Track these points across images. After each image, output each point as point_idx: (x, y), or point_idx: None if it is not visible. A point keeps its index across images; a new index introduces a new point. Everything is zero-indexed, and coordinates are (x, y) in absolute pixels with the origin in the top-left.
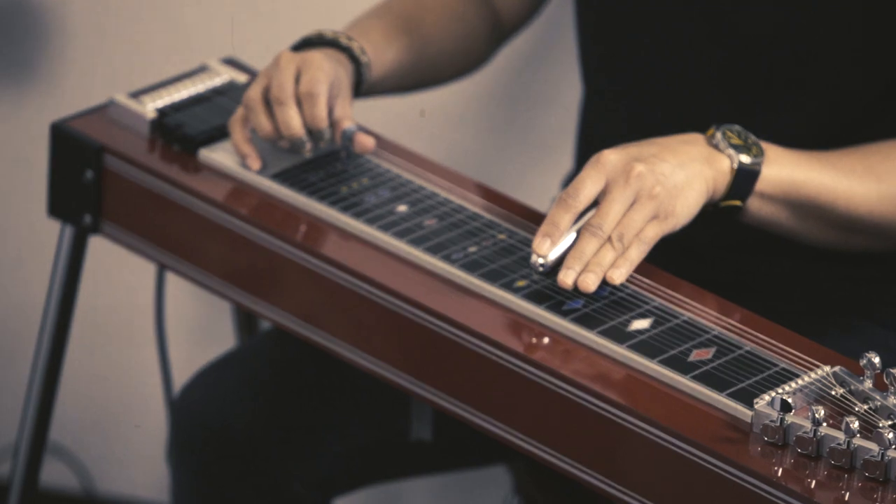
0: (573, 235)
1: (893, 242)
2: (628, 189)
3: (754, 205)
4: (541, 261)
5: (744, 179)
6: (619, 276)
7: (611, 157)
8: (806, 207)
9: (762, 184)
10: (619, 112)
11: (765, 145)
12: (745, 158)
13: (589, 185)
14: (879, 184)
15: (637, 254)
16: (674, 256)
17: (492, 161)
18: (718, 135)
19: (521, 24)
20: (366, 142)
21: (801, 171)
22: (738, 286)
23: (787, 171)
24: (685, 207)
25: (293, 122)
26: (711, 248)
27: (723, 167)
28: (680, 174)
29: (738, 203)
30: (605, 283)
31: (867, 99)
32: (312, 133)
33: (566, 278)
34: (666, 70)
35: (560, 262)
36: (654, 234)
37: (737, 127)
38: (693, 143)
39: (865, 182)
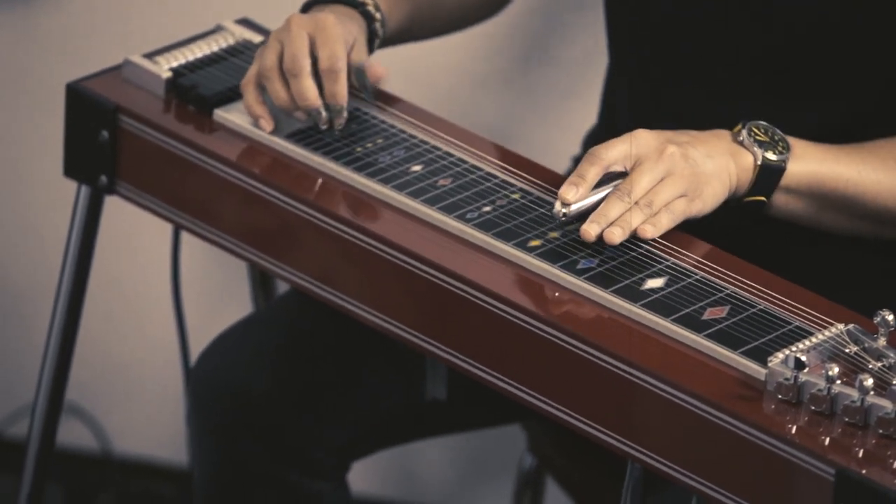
0: (600, 196)
1: None
2: (660, 164)
3: (780, 200)
4: (564, 210)
5: (767, 176)
6: (650, 232)
7: (645, 135)
8: (832, 201)
9: (788, 179)
10: (642, 86)
11: (791, 140)
12: (771, 155)
13: (620, 147)
14: None
15: (667, 220)
16: (691, 222)
17: (506, 121)
18: (744, 132)
19: None
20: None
21: (828, 165)
22: (755, 253)
23: (812, 166)
24: (711, 196)
25: (308, 93)
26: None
27: (746, 163)
28: (709, 163)
29: (762, 199)
30: (632, 237)
31: None
32: (331, 108)
33: (590, 230)
34: (690, 47)
35: (581, 216)
36: (682, 208)
37: (763, 123)
38: (720, 137)
39: (894, 175)
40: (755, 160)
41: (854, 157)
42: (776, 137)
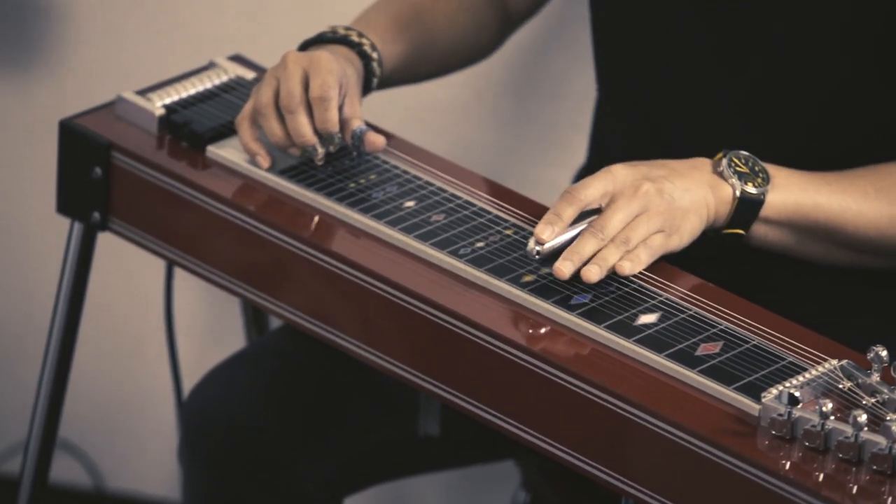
0: (574, 234)
1: None
2: (634, 202)
3: (760, 231)
4: (538, 248)
5: (746, 209)
6: (628, 268)
7: (621, 171)
8: (813, 231)
9: (767, 210)
10: (627, 116)
11: (772, 170)
12: (750, 188)
13: (597, 185)
14: (891, 207)
15: (646, 255)
16: (680, 255)
17: (499, 156)
18: (724, 162)
19: (529, 14)
20: (376, 141)
21: (808, 195)
22: (746, 285)
23: (793, 196)
24: (689, 231)
25: (303, 129)
26: (721, 250)
27: (725, 195)
28: (686, 197)
29: (740, 231)
30: (608, 277)
31: (864, 102)
32: (323, 137)
33: (563, 267)
34: (673, 79)
35: (556, 253)
36: (660, 244)
37: (744, 153)
38: (699, 169)
39: (876, 205)
40: (734, 192)
41: (835, 186)
42: (756, 168)
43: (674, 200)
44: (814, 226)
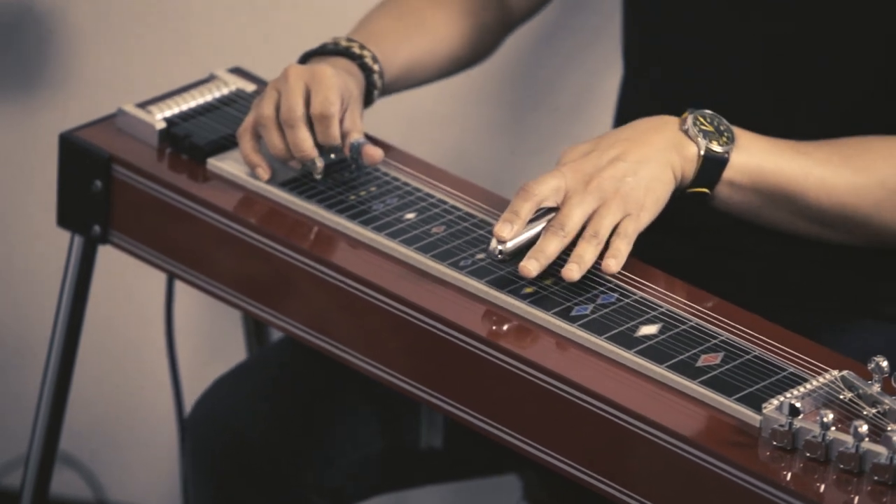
0: (535, 231)
1: (869, 238)
2: (588, 197)
3: (724, 192)
4: (500, 247)
5: (711, 167)
6: (614, 266)
7: (569, 166)
8: (775, 196)
9: (730, 171)
10: (658, 97)
11: (738, 132)
12: (715, 146)
13: (549, 182)
14: (854, 176)
15: (624, 246)
16: (684, 258)
17: (499, 168)
18: (690, 119)
19: (531, 13)
20: (374, 153)
21: (772, 159)
22: (738, 284)
23: (756, 158)
24: (654, 201)
25: (304, 143)
26: (717, 248)
27: (690, 154)
28: (644, 171)
29: (705, 190)
30: (609, 288)
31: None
32: (325, 148)
33: (529, 266)
34: (705, 58)
35: (517, 253)
36: (633, 229)
37: (709, 112)
38: (662, 130)
39: (840, 173)
40: (699, 150)
41: (801, 153)
42: (721, 127)
43: (630, 181)
44: (776, 190)
